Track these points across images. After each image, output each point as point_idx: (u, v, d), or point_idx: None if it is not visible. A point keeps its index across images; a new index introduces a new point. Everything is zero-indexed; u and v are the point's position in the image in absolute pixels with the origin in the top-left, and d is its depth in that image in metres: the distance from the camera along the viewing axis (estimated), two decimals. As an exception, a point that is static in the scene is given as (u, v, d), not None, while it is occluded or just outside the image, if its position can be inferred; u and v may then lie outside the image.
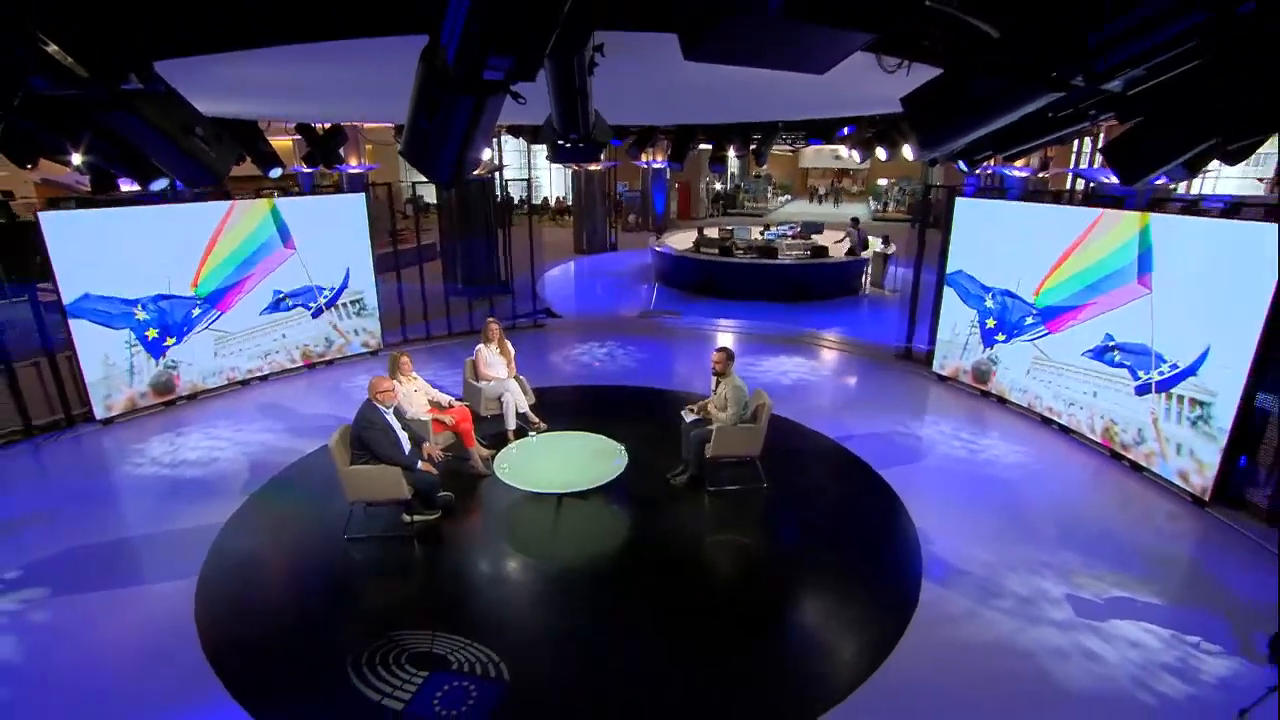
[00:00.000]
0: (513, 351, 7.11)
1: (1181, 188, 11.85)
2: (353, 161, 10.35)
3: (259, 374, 8.82)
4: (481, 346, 6.96)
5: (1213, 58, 2.59)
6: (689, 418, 6.15)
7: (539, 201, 28.88)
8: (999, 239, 7.85)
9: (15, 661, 4.17)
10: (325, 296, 9.29)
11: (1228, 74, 2.64)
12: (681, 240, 16.59)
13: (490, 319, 7.19)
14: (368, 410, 5.29)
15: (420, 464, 5.31)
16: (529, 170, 27.68)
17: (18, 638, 4.36)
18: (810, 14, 2.16)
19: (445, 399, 6.39)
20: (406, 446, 5.41)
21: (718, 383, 6.01)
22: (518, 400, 6.83)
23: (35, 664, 4.16)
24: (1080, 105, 3.63)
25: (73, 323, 7.05)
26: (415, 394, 6.18)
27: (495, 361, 6.92)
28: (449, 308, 11.36)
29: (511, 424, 6.75)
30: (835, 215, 29.92)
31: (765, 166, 23.19)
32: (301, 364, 9.25)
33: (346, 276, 9.44)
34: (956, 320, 8.56)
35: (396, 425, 5.39)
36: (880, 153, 8.01)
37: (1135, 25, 2.36)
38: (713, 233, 16.62)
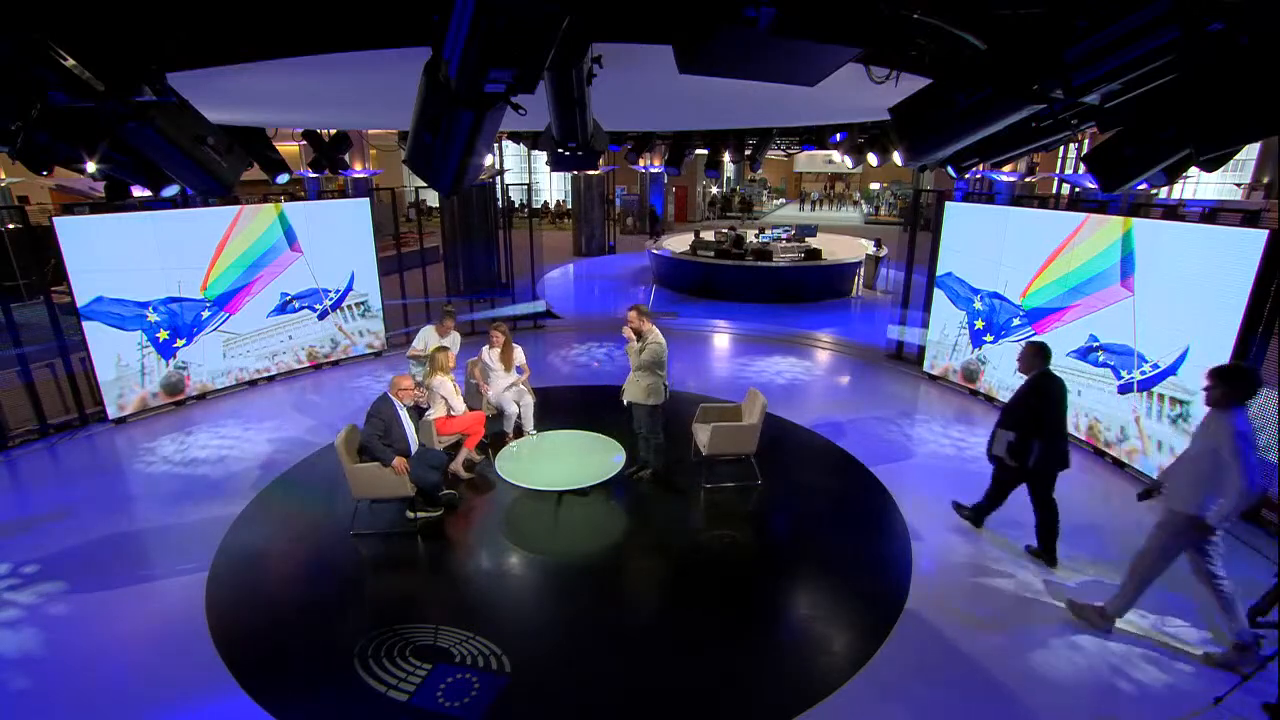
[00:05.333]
0: (519, 358, 7.05)
1: (1163, 193, 12.00)
2: (357, 167, 10.47)
3: (266, 374, 8.98)
4: (485, 350, 7.05)
5: (1185, 73, 2.73)
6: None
7: (539, 205, 29.00)
8: (987, 242, 8.01)
9: (34, 653, 4.29)
10: (331, 298, 9.45)
11: (1199, 88, 2.77)
12: (678, 243, 16.74)
13: (495, 324, 7.11)
14: (379, 401, 5.48)
15: (394, 461, 5.26)
16: (529, 175, 27.85)
17: (36, 630, 4.49)
18: (800, 30, 2.29)
19: (461, 407, 6.50)
20: (414, 444, 5.55)
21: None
22: (522, 406, 6.93)
23: (52, 655, 4.28)
24: (1061, 116, 3.75)
25: (86, 325, 7.22)
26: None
27: (495, 367, 6.97)
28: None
29: (509, 426, 6.87)
30: (830, 219, 30.11)
31: (760, 171, 23.33)
32: (308, 365, 9.41)
33: (351, 279, 9.60)
34: (946, 321, 8.73)
35: (407, 421, 5.53)
36: (871, 158, 8.15)
37: (1108, 42, 2.51)
38: (709, 235, 16.76)
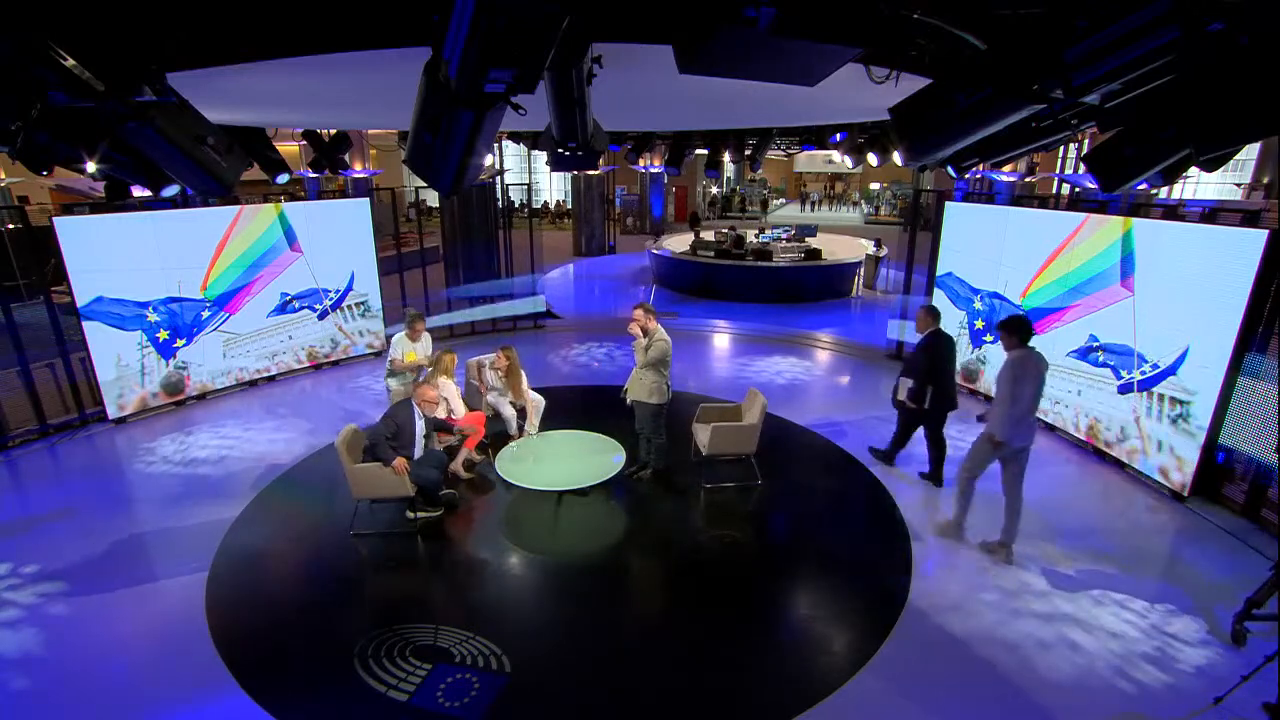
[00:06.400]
0: (524, 384, 6.97)
1: (1163, 193, 12.00)
2: (357, 166, 10.47)
3: (266, 374, 8.98)
4: (489, 370, 7.00)
5: (1185, 73, 2.73)
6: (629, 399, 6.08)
7: (539, 205, 29.00)
8: (987, 242, 8.01)
9: (34, 653, 4.29)
10: (331, 298, 9.46)
11: (1199, 88, 2.77)
12: (679, 243, 16.74)
13: (502, 349, 6.95)
14: (401, 407, 5.53)
15: (394, 463, 5.27)
16: (529, 174, 27.85)
17: (36, 630, 4.49)
18: (800, 30, 2.28)
19: (462, 409, 6.51)
20: (418, 450, 5.56)
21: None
22: (533, 407, 6.92)
23: (52, 655, 4.28)
24: (1061, 116, 3.75)
25: (86, 325, 7.22)
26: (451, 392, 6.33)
27: (498, 386, 6.94)
28: (450, 309, 11.52)
29: (513, 429, 6.88)
30: (830, 219, 30.11)
31: (760, 171, 23.34)
32: (308, 365, 9.41)
33: (351, 279, 9.61)
34: (946, 321, 8.68)
35: (420, 430, 5.55)
36: (871, 158, 8.15)
37: (1108, 42, 2.51)
38: (709, 235, 16.76)
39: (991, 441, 5.05)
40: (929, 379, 5.98)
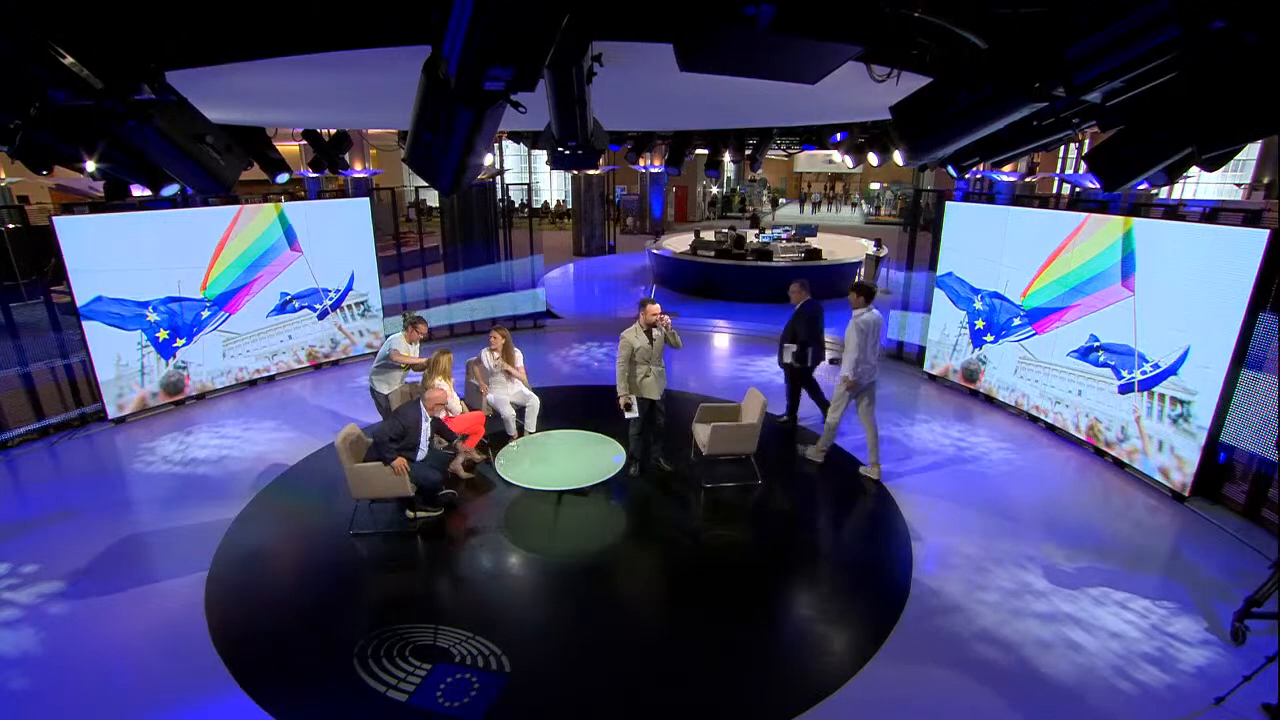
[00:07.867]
0: (520, 361, 7.02)
1: (1164, 193, 11.98)
2: (357, 166, 10.44)
3: (266, 374, 8.98)
4: (485, 353, 7.03)
5: (1187, 71, 2.72)
6: (632, 414, 6.10)
7: (539, 205, 29.01)
8: (988, 242, 8.01)
9: (34, 653, 4.29)
10: (331, 298, 9.45)
11: (1201, 87, 2.77)
12: (679, 243, 16.73)
13: (495, 328, 7.08)
14: (409, 408, 5.53)
15: (394, 463, 5.28)
16: (529, 174, 27.86)
17: (35, 630, 4.48)
18: (800, 28, 2.28)
19: (460, 406, 6.50)
20: (422, 452, 5.56)
21: (650, 333, 5.99)
22: (528, 407, 6.89)
23: (52, 655, 4.27)
24: (1063, 115, 3.74)
25: (86, 324, 7.22)
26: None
27: (495, 370, 6.94)
28: (450, 303, 11.51)
29: (512, 429, 6.86)
30: (830, 220, 30.09)
31: (760, 171, 23.33)
32: (307, 364, 9.41)
33: (351, 279, 9.60)
34: (946, 321, 8.72)
35: (427, 432, 5.55)
36: (872, 158, 8.15)
37: (1110, 40, 2.50)
38: (709, 235, 16.75)
39: (846, 383, 6.14)
40: (809, 341, 7.04)
